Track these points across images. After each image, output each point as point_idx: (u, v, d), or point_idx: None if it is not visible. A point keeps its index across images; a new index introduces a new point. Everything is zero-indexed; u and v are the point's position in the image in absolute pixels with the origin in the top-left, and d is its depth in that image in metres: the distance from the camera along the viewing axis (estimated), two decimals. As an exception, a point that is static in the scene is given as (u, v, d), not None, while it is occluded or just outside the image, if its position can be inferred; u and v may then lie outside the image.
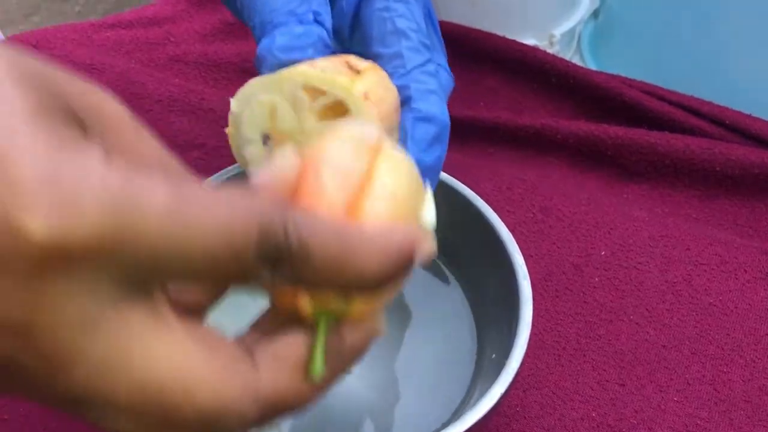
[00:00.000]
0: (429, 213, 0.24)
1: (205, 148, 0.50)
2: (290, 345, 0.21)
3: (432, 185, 0.32)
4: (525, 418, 0.39)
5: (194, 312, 0.22)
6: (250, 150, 0.31)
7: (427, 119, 0.31)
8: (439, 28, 0.34)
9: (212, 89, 0.54)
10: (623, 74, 0.55)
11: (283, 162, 0.22)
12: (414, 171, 0.24)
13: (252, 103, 0.29)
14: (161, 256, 0.18)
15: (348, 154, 0.22)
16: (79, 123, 0.20)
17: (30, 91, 0.18)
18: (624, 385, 0.40)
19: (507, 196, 0.48)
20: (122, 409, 0.19)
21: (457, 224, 0.40)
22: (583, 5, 0.63)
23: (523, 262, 0.36)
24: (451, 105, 0.34)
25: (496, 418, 0.39)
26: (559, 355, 0.41)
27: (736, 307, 0.43)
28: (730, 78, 0.54)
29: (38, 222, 0.16)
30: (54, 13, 1.47)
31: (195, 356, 0.19)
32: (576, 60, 0.62)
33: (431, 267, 0.41)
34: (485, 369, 0.36)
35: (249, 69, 0.55)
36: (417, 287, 0.40)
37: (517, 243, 0.37)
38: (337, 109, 0.29)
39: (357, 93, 0.28)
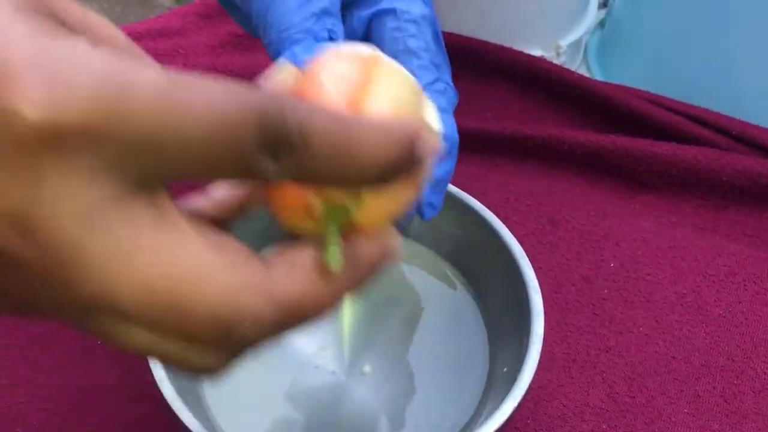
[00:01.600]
0: (432, 116, 0.24)
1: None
2: (303, 250, 0.20)
3: (440, 197, 0.33)
4: (535, 430, 0.39)
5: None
6: None
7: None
8: (444, 47, 0.35)
9: (221, 101, 0.54)
10: (629, 84, 0.56)
11: (283, 72, 0.22)
12: (413, 81, 0.23)
13: None
14: (156, 137, 0.17)
15: (346, 63, 0.22)
16: (68, 27, 0.19)
17: None
18: (634, 398, 0.40)
19: (515, 207, 0.48)
20: (131, 313, 0.18)
21: (467, 236, 0.40)
22: (589, 16, 0.63)
23: (534, 275, 0.36)
24: (458, 116, 0.35)
25: (506, 431, 0.39)
26: (569, 368, 0.41)
27: (745, 319, 0.43)
28: (737, 88, 0.54)
29: (29, 103, 0.16)
30: (60, 23, 1.47)
31: (205, 255, 0.18)
32: (582, 70, 0.62)
33: (442, 279, 0.41)
34: (496, 383, 0.36)
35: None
36: (428, 299, 0.40)
37: (526, 255, 0.37)
38: None
39: None
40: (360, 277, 0.21)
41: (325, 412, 0.37)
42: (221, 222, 0.23)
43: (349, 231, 0.21)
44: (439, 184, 0.33)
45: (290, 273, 0.20)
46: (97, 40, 0.20)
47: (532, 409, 0.40)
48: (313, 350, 0.38)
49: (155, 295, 0.18)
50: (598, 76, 0.61)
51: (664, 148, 0.50)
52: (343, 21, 0.34)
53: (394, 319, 0.40)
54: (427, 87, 0.33)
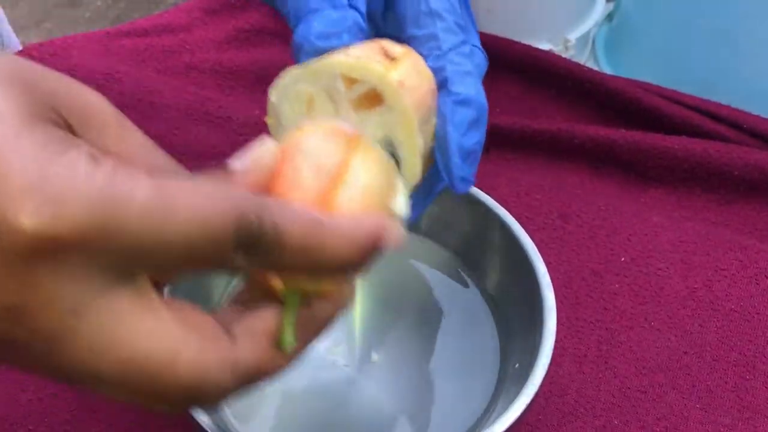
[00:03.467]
0: (400, 202, 0.26)
1: (224, 156, 0.50)
2: (263, 319, 0.23)
3: (472, 170, 0.32)
4: (547, 426, 0.39)
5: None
6: None
7: (465, 103, 0.31)
8: (471, 8, 0.34)
9: (228, 97, 0.54)
10: (638, 77, 0.55)
11: (262, 149, 0.23)
12: (387, 163, 0.25)
13: (289, 94, 0.30)
14: (144, 247, 0.20)
15: (325, 146, 0.24)
16: (66, 123, 0.21)
17: (18, 93, 0.20)
18: (646, 393, 0.40)
19: (525, 202, 0.48)
20: (112, 382, 0.21)
21: (477, 232, 0.40)
22: (597, 9, 0.63)
23: (546, 271, 0.35)
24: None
25: (517, 427, 0.39)
26: (580, 363, 0.41)
27: (757, 313, 0.43)
28: (747, 81, 0.54)
29: (28, 217, 0.18)
30: (65, 20, 1.47)
31: (177, 333, 0.21)
32: (590, 64, 0.62)
33: (452, 274, 0.41)
34: (508, 379, 0.36)
35: (264, 77, 0.55)
36: (438, 295, 0.40)
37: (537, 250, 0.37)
38: (373, 97, 0.28)
39: (392, 81, 0.28)
40: (314, 337, 0.24)
41: (336, 408, 0.37)
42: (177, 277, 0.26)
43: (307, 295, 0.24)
44: (470, 156, 0.31)
45: (251, 344, 0.23)
46: (97, 137, 0.23)
47: (543, 404, 0.40)
48: (326, 346, 0.38)
49: (132, 369, 0.21)
50: (607, 69, 0.61)
51: (674, 143, 0.50)
52: None
53: (403, 315, 0.40)
54: (453, 50, 0.31)
